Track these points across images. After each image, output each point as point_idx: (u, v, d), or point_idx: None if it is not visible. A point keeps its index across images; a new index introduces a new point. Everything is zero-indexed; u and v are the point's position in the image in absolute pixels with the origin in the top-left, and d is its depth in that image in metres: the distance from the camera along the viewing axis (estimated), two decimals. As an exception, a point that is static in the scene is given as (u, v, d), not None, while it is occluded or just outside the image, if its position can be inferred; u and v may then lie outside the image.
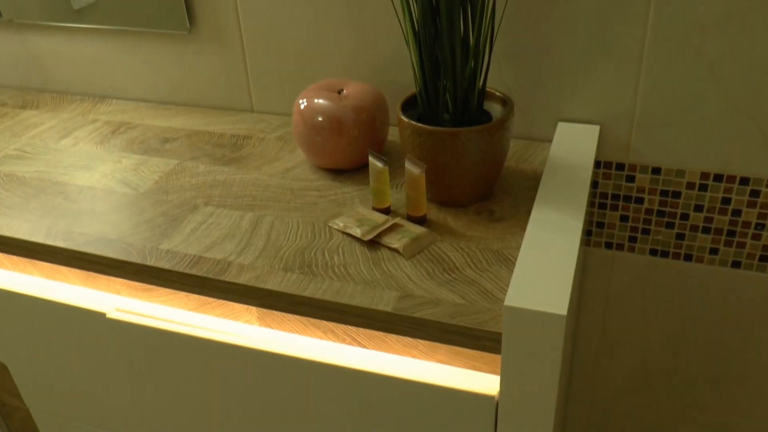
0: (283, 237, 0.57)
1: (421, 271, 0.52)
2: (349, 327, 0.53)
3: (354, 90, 0.65)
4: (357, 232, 0.56)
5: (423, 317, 0.47)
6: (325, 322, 0.54)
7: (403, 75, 0.74)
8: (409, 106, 0.61)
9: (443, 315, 0.47)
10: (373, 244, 0.55)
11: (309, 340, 0.56)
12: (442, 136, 0.54)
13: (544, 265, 0.47)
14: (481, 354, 0.50)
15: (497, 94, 0.60)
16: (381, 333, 0.52)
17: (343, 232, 0.57)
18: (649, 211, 0.71)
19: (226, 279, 0.52)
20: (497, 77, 0.70)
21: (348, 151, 0.64)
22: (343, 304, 0.49)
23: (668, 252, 0.73)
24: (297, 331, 0.56)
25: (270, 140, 0.75)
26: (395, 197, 0.62)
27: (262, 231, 0.58)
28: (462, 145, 0.54)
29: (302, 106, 0.64)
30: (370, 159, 0.57)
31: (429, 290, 0.50)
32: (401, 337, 0.52)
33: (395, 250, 0.54)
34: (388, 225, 0.56)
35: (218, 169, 0.69)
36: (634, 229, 0.73)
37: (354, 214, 0.59)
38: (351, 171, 0.67)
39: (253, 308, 0.56)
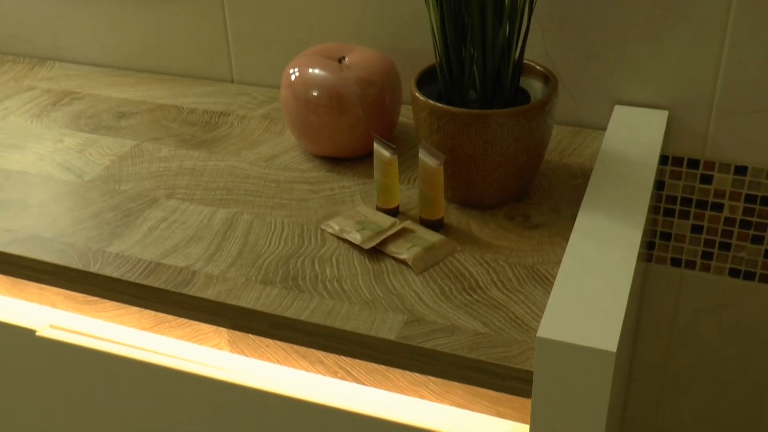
0: (263, 241, 0.57)
1: (434, 290, 0.51)
2: (343, 357, 0.53)
3: (359, 58, 0.64)
4: (356, 237, 0.56)
5: (435, 348, 0.47)
6: (312, 350, 0.54)
7: (420, 41, 0.74)
8: (426, 80, 0.61)
9: (460, 346, 0.47)
10: (376, 253, 0.55)
11: (292, 372, 0.56)
12: (466, 119, 0.54)
13: (591, 286, 0.47)
14: (507, 397, 0.50)
15: (538, 68, 0.60)
16: (382, 366, 0.52)
17: (339, 237, 0.57)
18: (730, 221, 0.71)
19: (190, 292, 0.52)
20: (538, 47, 0.70)
21: (349, 135, 0.64)
22: (336, 328, 0.49)
23: (754, 273, 0.72)
24: (277, 361, 0.56)
25: (252, 118, 0.75)
26: (406, 195, 0.62)
27: (237, 233, 0.58)
28: (491, 131, 0.54)
29: (293, 77, 0.64)
30: (376, 146, 0.56)
31: (444, 314, 0.49)
32: (407, 372, 0.52)
33: (403, 262, 0.54)
34: (395, 230, 0.56)
35: (186, 154, 0.69)
36: (709, 242, 0.73)
37: (353, 214, 0.59)
38: (352, 160, 0.67)
39: (224, 330, 0.56)
